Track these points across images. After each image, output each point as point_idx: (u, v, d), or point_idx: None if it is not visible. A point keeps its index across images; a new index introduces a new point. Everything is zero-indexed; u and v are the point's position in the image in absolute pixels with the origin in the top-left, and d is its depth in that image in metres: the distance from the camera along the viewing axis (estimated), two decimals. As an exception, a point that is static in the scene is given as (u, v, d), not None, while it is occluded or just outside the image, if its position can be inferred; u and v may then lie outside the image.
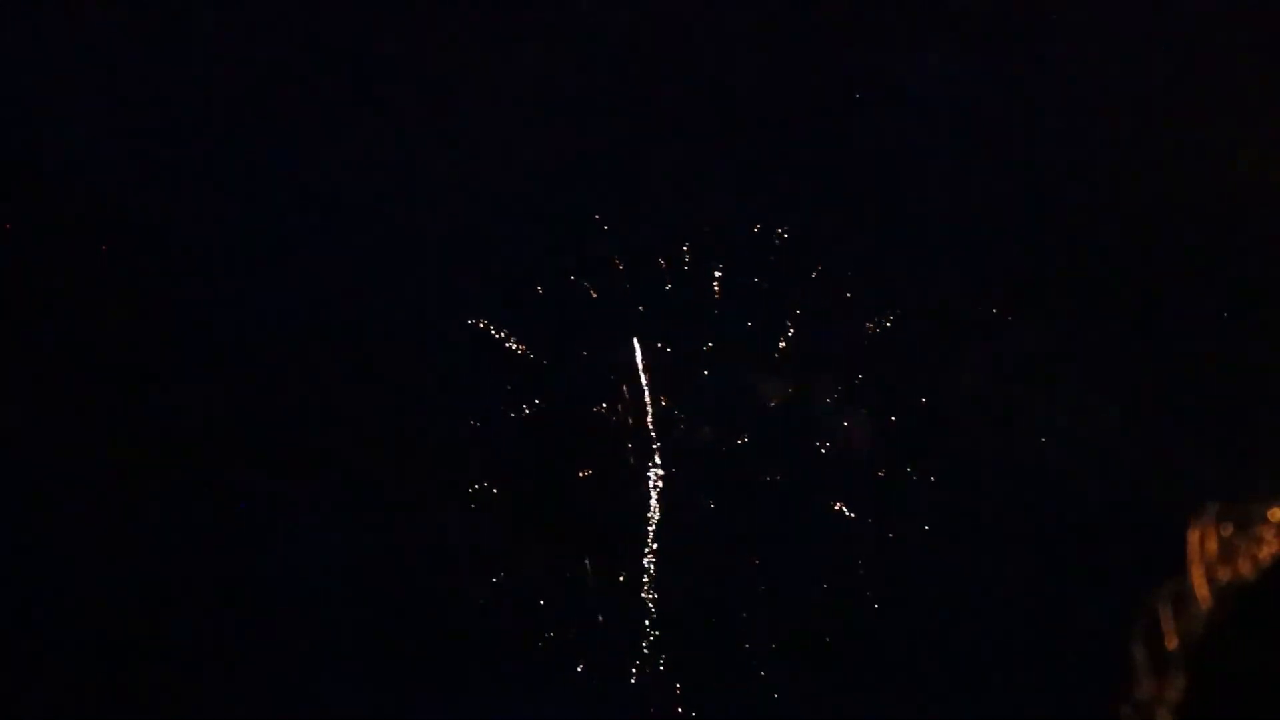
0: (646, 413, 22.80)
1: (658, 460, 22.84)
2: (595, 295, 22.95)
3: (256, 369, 22.08)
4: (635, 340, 22.86)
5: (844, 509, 22.49)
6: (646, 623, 22.22)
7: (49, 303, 21.82)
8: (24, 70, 21.96)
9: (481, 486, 22.33)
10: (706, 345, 22.98)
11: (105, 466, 21.43)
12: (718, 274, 23.00)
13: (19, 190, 21.87)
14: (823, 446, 22.69)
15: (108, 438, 21.50)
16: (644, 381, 22.79)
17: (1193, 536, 2.75)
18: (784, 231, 22.73)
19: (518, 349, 22.67)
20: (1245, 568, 2.74)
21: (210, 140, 22.48)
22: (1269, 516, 2.78)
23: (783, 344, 23.06)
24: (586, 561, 22.30)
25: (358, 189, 22.57)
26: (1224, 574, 2.71)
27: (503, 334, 22.64)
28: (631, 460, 22.79)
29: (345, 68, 22.83)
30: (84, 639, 20.90)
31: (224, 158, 22.43)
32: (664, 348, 22.98)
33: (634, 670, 22.08)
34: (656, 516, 22.59)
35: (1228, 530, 2.78)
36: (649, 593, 22.35)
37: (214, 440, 21.83)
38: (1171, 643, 2.66)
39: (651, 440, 22.82)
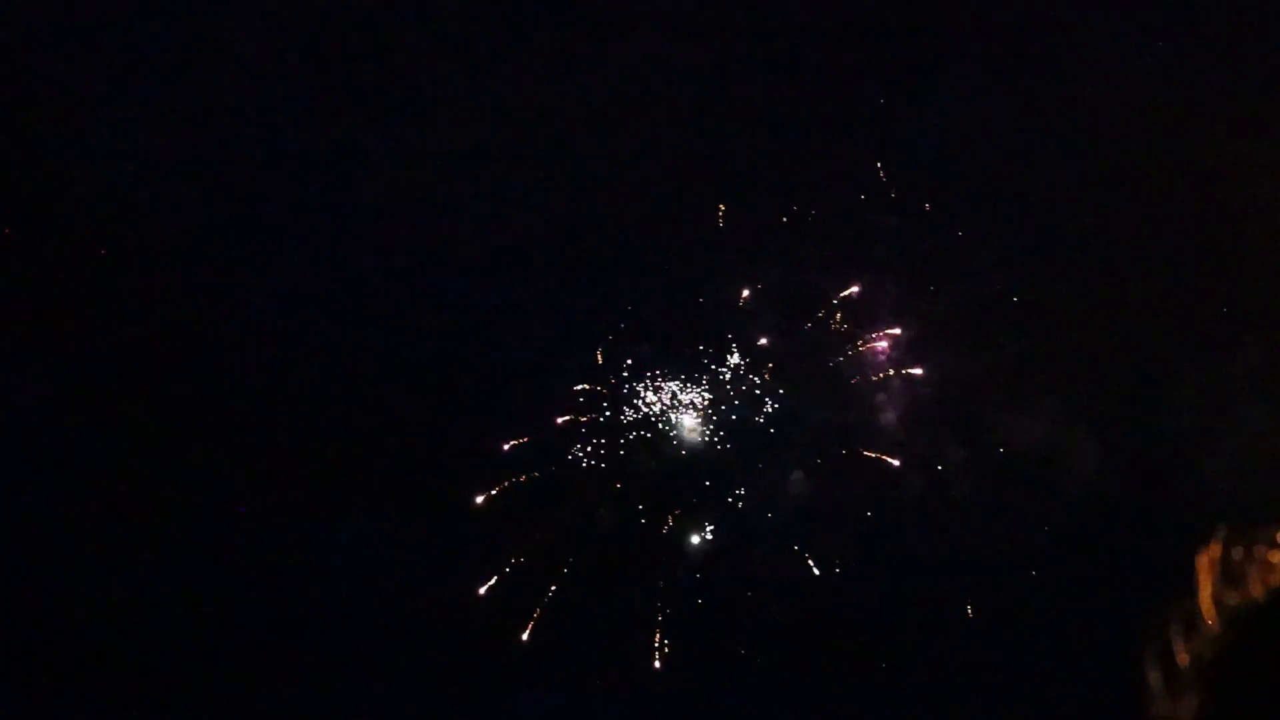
0: (675, 419, 22.89)
1: (678, 470, 22.93)
2: (613, 307, 23.02)
3: (269, 376, 22.12)
4: (658, 350, 22.94)
5: (852, 512, 22.53)
6: (658, 625, 22.26)
7: (60, 305, 21.85)
8: (30, 72, 22.03)
9: (496, 495, 22.42)
10: (723, 352, 23.05)
11: (120, 470, 21.48)
12: (738, 278, 23.09)
13: (23, 193, 21.89)
14: (830, 452, 22.75)
15: (128, 443, 21.55)
16: (663, 388, 22.88)
17: (1201, 560, 2.80)
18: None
19: (532, 362, 22.75)
20: (1256, 590, 2.79)
21: (221, 143, 22.46)
22: (1278, 540, 2.82)
23: (795, 347, 23.13)
24: (597, 566, 22.38)
25: (374, 200, 22.61)
26: (1232, 597, 2.76)
27: (517, 346, 22.72)
28: (653, 469, 22.89)
29: (358, 73, 22.85)
30: (106, 643, 20.96)
31: (241, 161, 22.42)
32: (683, 359, 23.06)
33: (642, 671, 22.11)
34: (658, 524, 22.66)
35: (1238, 554, 2.83)
36: (660, 597, 22.41)
37: (228, 444, 21.87)
38: (1183, 663, 2.71)
39: (677, 450, 22.91)
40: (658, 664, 22.06)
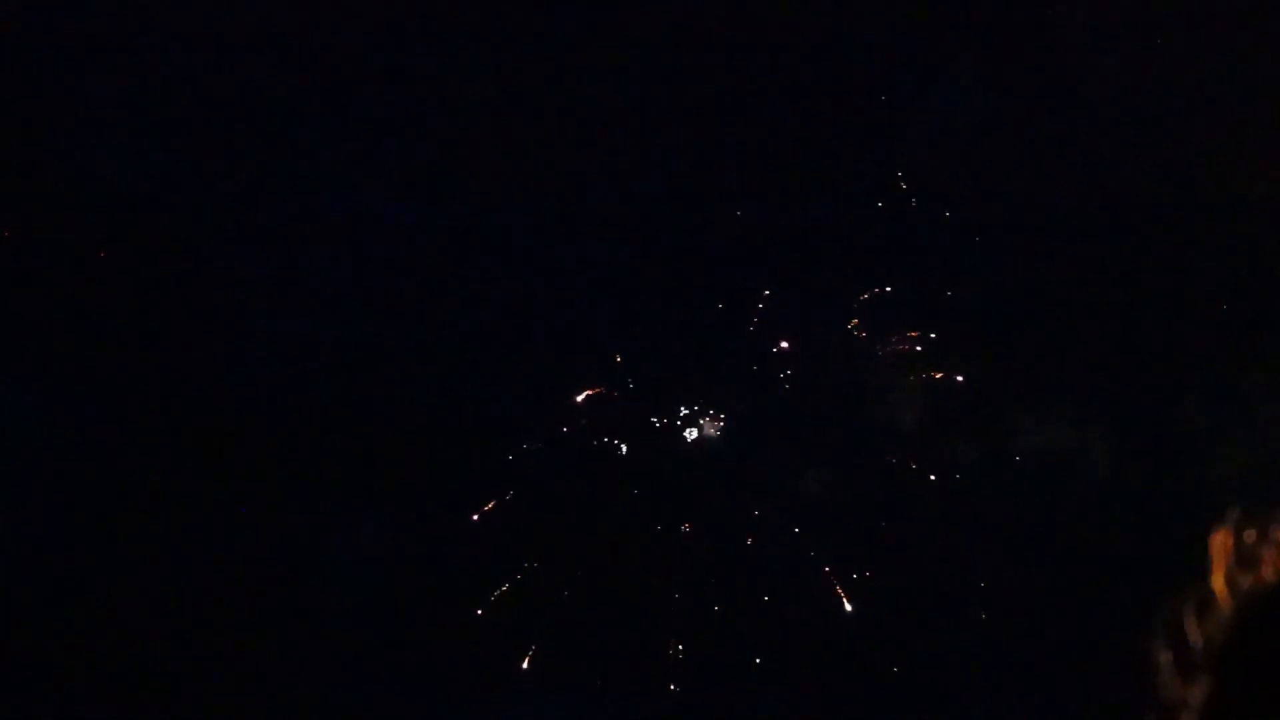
0: (671, 422, 22.92)
1: (671, 467, 22.94)
2: (616, 308, 23.03)
3: (272, 377, 22.13)
4: (656, 353, 22.97)
5: (846, 515, 22.52)
6: (659, 628, 22.28)
7: (60, 306, 21.89)
8: (33, 71, 22.07)
9: (493, 494, 22.45)
10: (722, 356, 23.07)
11: (119, 470, 21.53)
12: (741, 279, 23.10)
13: (26, 195, 21.91)
14: (828, 454, 22.77)
15: (127, 444, 21.59)
16: (663, 392, 22.92)
17: (1215, 542, 2.77)
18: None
19: (534, 358, 22.76)
20: (1269, 573, 2.76)
21: (226, 145, 22.48)
22: (1292, 522, 2.79)
23: (798, 351, 23.12)
24: (599, 569, 22.40)
25: (378, 195, 22.63)
26: (1246, 579, 2.73)
27: (520, 344, 22.74)
28: (649, 467, 22.91)
29: (365, 74, 22.87)
30: (105, 642, 21.00)
31: (243, 163, 22.42)
32: (686, 362, 23.08)
33: (646, 674, 22.10)
34: (671, 523, 22.68)
35: (1250, 536, 2.80)
36: (661, 599, 22.42)
37: (226, 445, 21.90)
38: (1194, 646, 2.69)
39: (673, 448, 22.94)
40: (660, 666, 22.07)
